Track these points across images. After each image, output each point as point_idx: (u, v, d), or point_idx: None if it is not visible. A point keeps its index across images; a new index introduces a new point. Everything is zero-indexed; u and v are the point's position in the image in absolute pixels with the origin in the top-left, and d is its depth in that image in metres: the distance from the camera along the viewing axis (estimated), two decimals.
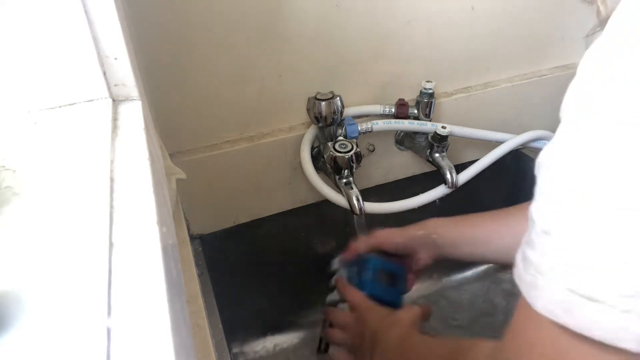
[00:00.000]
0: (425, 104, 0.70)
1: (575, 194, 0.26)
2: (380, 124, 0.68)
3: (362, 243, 0.65)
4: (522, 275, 0.29)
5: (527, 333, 0.31)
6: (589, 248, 0.25)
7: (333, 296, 0.67)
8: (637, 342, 0.25)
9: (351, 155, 0.61)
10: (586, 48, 0.28)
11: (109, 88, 0.33)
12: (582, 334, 0.26)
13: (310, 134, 0.68)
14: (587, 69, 0.27)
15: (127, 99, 0.34)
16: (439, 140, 0.69)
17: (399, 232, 0.64)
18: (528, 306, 0.29)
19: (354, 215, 0.63)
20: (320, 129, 0.66)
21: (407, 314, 0.59)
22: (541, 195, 0.28)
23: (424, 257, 0.64)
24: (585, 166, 0.25)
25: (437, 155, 0.70)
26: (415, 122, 0.70)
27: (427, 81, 0.69)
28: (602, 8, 0.31)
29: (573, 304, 0.26)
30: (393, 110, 0.70)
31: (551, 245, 0.27)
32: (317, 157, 0.68)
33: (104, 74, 0.32)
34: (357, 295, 0.62)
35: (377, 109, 0.70)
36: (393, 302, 0.63)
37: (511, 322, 0.33)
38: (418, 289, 0.88)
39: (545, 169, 0.28)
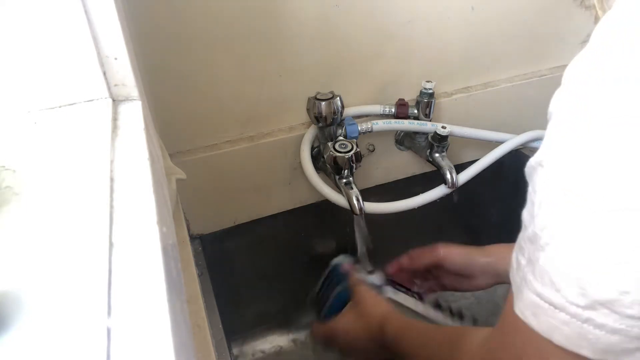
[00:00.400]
0: (425, 104, 0.70)
1: (570, 194, 0.26)
2: (380, 124, 0.68)
3: (422, 254, 0.65)
4: (514, 277, 0.31)
5: (509, 329, 0.32)
6: (567, 252, 0.26)
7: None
8: (593, 351, 0.26)
9: (351, 155, 0.61)
10: None
11: (109, 88, 0.33)
12: (545, 337, 0.27)
13: (310, 134, 0.68)
14: (580, 71, 0.27)
15: (127, 99, 0.34)
16: (439, 140, 0.69)
17: (462, 252, 0.64)
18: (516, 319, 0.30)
19: (354, 215, 0.63)
20: (320, 129, 0.66)
21: (379, 307, 0.60)
22: (533, 199, 0.29)
23: (481, 283, 0.63)
24: (581, 167, 0.25)
25: (437, 155, 0.70)
26: (415, 122, 0.70)
27: (427, 81, 0.69)
28: (600, 14, 0.31)
29: (539, 309, 0.28)
30: (393, 110, 0.70)
31: (533, 250, 0.28)
32: (317, 157, 0.68)
33: (104, 74, 0.32)
34: (325, 331, 0.65)
35: (377, 109, 0.70)
36: None
37: (501, 315, 0.34)
38: None
39: (538, 171, 0.29)
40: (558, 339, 0.27)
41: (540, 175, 0.29)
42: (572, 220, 0.26)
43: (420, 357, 0.50)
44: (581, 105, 0.26)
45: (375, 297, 0.63)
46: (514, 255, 0.31)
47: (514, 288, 0.30)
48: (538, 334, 0.28)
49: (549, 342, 0.28)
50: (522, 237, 0.30)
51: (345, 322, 0.63)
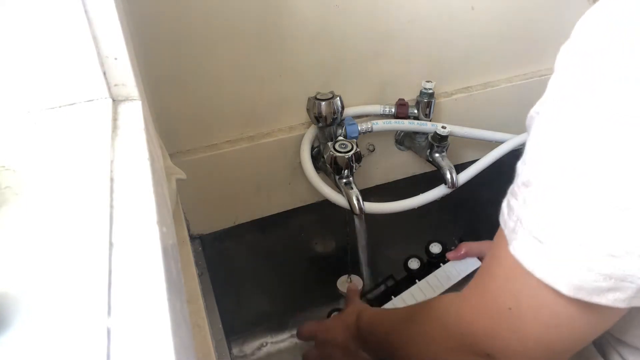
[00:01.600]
0: (425, 104, 0.70)
1: (562, 160, 0.29)
2: (380, 124, 0.68)
3: (469, 246, 0.71)
4: (507, 221, 0.33)
5: (497, 271, 0.35)
6: (552, 201, 0.29)
7: None
8: (568, 287, 0.29)
9: (351, 155, 0.61)
10: None
11: (109, 88, 0.33)
12: (531, 272, 0.31)
13: (310, 134, 0.68)
14: (588, 35, 0.29)
15: (127, 99, 0.34)
16: (439, 140, 0.69)
17: None
18: (504, 250, 0.33)
19: (354, 215, 0.63)
20: (320, 129, 0.66)
21: (355, 306, 0.64)
22: (530, 150, 0.32)
23: None
24: (580, 148, 0.28)
25: (437, 155, 0.70)
26: (415, 122, 0.70)
27: (427, 81, 0.69)
28: None
29: (529, 245, 0.31)
30: (393, 110, 0.70)
31: (528, 196, 0.31)
32: (317, 157, 0.68)
33: (104, 74, 0.32)
34: (310, 327, 0.67)
35: (377, 109, 0.70)
36: None
37: (481, 267, 0.38)
38: None
39: (537, 126, 0.32)
40: (541, 274, 0.30)
41: (535, 126, 0.31)
42: (563, 183, 0.29)
43: (395, 338, 0.50)
44: (584, 84, 0.28)
45: (355, 300, 0.66)
46: (504, 202, 0.34)
47: (508, 232, 0.33)
48: (525, 269, 0.31)
49: (532, 276, 0.31)
50: (516, 183, 0.33)
51: (328, 321, 0.66)
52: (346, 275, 0.82)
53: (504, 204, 0.34)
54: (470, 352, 0.37)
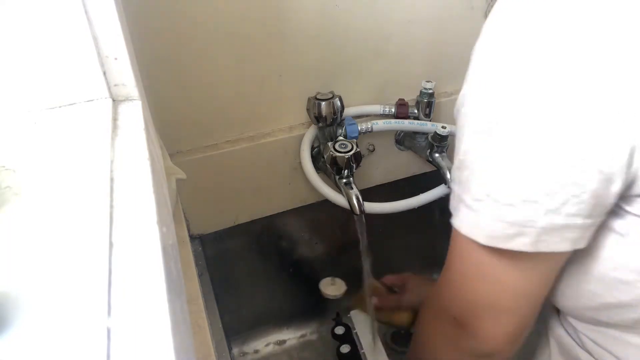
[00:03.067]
0: (425, 104, 0.70)
1: (481, 123, 0.34)
2: (380, 124, 0.68)
3: (393, 279, 0.74)
4: (452, 204, 0.38)
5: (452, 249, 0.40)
6: (473, 163, 0.34)
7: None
8: (484, 237, 0.34)
9: (351, 155, 0.61)
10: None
11: (109, 88, 0.33)
12: (459, 230, 0.36)
13: (310, 134, 0.68)
14: (499, 33, 0.37)
15: (127, 99, 0.34)
16: (439, 140, 0.69)
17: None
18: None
19: (354, 215, 0.63)
20: (320, 129, 0.66)
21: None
22: (459, 136, 0.37)
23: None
24: (494, 97, 0.35)
25: (437, 155, 0.70)
26: (415, 122, 0.70)
27: (427, 81, 0.69)
28: None
29: (457, 205, 0.36)
30: (393, 110, 0.70)
31: (460, 174, 0.36)
32: (317, 157, 0.68)
33: (104, 74, 0.32)
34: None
35: (377, 109, 0.70)
36: None
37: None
38: None
39: (461, 112, 0.38)
40: (464, 230, 0.36)
41: (462, 117, 0.37)
42: (479, 144, 0.34)
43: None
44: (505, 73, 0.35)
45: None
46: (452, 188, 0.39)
47: (453, 212, 0.37)
48: (457, 230, 0.36)
49: (458, 233, 0.36)
50: (453, 169, 0.37)
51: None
52: (330, 278, 0.82)
53: (452, 190, 0.38)
54: (449, 324, 0.42)
